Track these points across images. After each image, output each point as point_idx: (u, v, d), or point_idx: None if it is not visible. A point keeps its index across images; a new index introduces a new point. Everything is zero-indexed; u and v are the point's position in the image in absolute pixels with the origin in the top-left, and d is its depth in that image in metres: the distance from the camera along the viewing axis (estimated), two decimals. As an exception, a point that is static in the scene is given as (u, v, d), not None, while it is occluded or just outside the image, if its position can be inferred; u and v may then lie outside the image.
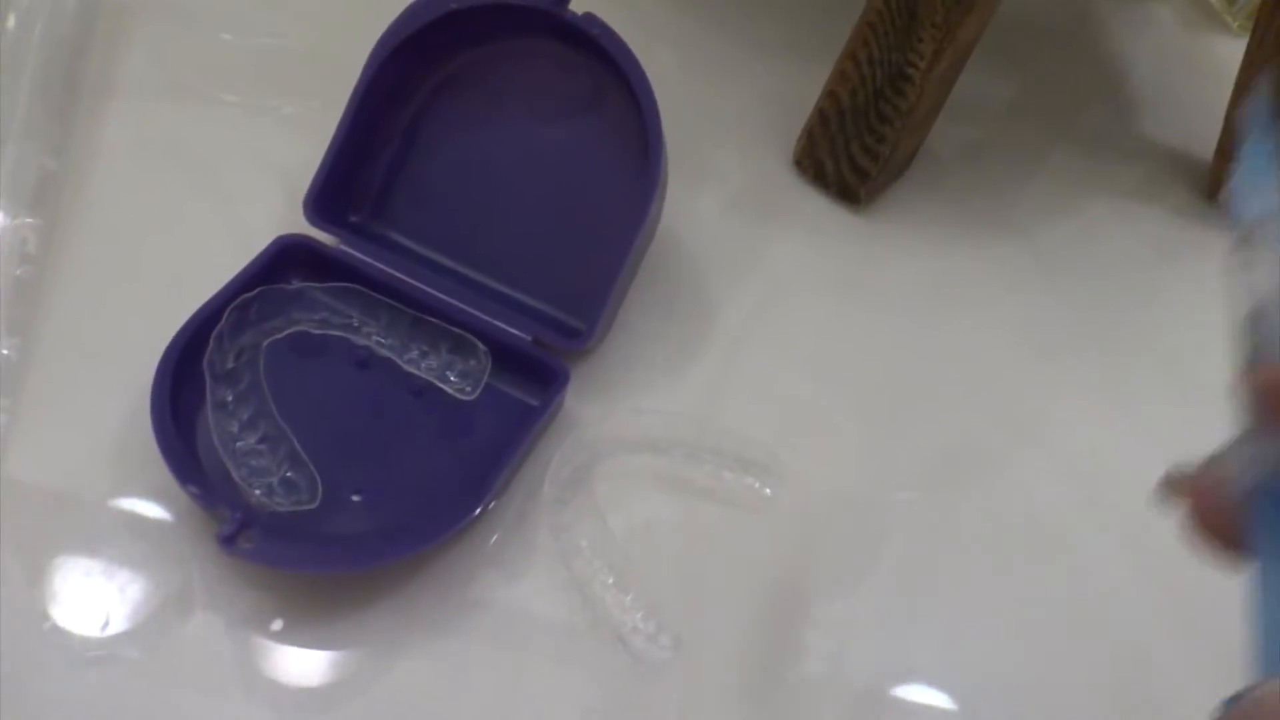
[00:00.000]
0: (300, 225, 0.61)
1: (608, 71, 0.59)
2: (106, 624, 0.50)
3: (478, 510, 0.53)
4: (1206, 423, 0.67)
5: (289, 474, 0.53)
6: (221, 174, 0.68)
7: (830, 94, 0.69)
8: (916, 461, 0.63)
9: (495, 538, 0.55)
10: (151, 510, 0.54)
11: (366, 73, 0.61)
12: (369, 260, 0.61)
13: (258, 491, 0.52)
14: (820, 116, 0.70)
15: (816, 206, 0.72)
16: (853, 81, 0.68)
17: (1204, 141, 0.79)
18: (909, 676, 0.55)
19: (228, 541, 0.48)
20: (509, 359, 0.59)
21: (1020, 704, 0.55)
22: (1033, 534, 0.61)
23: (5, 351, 0.56)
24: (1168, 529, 0.61)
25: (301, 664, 0.51)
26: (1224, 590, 0.59)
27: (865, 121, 0.68)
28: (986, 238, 0.74)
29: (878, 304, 0.69)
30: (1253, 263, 0.33)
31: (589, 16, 0.58)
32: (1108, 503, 0.63)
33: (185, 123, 0.70)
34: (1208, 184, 0.79)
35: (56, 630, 0.50)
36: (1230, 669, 0.57)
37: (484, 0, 0.59)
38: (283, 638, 0.51)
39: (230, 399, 0.55)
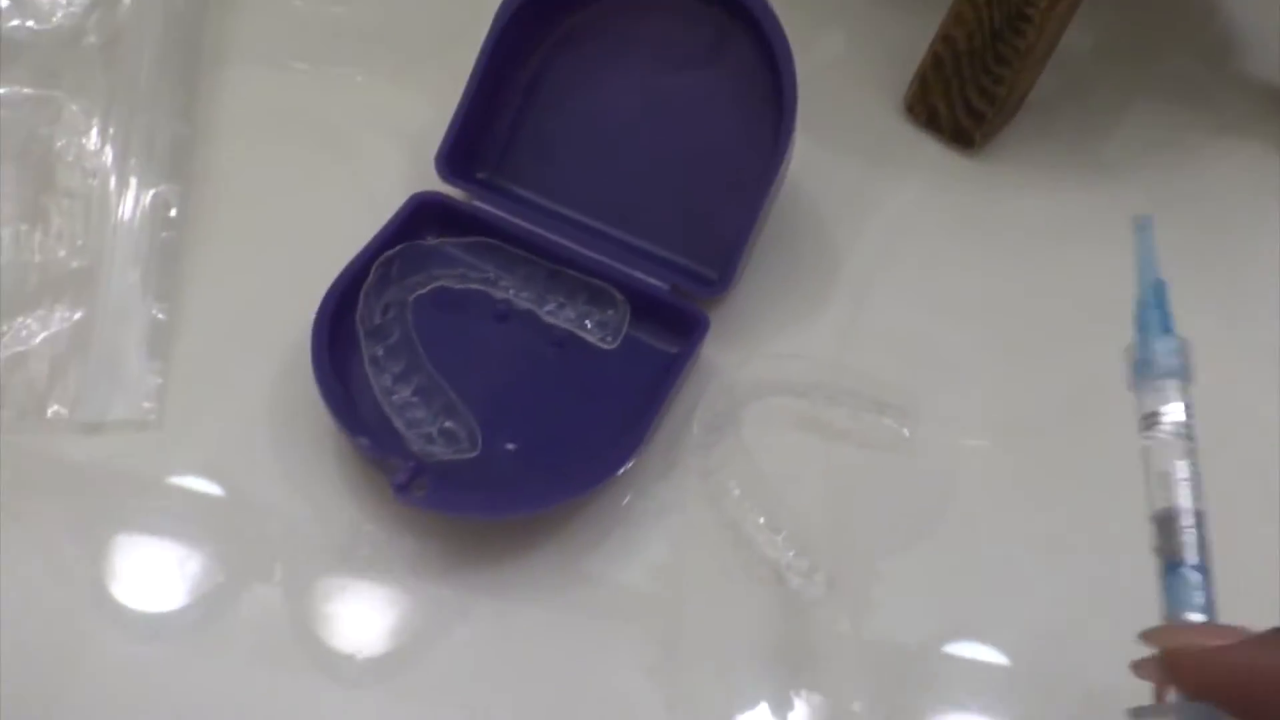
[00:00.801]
0: (423, 183, 0.62)
1: (733, 18, 0.59)
2: (277, 580, 0.52)
3: (633, 457, 0.53)
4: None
5: (448, 424, 0.54)
6: (341, 134, 0.68)
7: (945, 37, 0.69)
8: (1045, 400, 0.63)
9: (628, 499, 0.56)
10: (311, 468, 0.55)
11: (493, 30, 0.61)
12: (502, 214, 0.61)
13: (419, 441, 0.53)
14: (935, 60, 0.70)
15: (930, 151, 0.72)
16: (969, 24, 0.67)
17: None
18: (1062, 617, 0.56)
19: (402, 489, 0.49)
20: (645, 309, 0.60)
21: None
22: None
23: (158, 315, 0.57)
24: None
25: (459, 611, 0.52)
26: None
27: (982, 64, 0.68)
28: (1098, 176, 0.73)
29: (998, 245, 0.69)
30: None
31: (715, -37, 0.58)
32: (1231, 435, 0.63)
33: (301, 85, 0.70)
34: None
35: (226, 591, 0.51)
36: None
37: (606, -48, 0.59)
38: (450, 582, 0.52)
39: (381, 354, 0.56)
